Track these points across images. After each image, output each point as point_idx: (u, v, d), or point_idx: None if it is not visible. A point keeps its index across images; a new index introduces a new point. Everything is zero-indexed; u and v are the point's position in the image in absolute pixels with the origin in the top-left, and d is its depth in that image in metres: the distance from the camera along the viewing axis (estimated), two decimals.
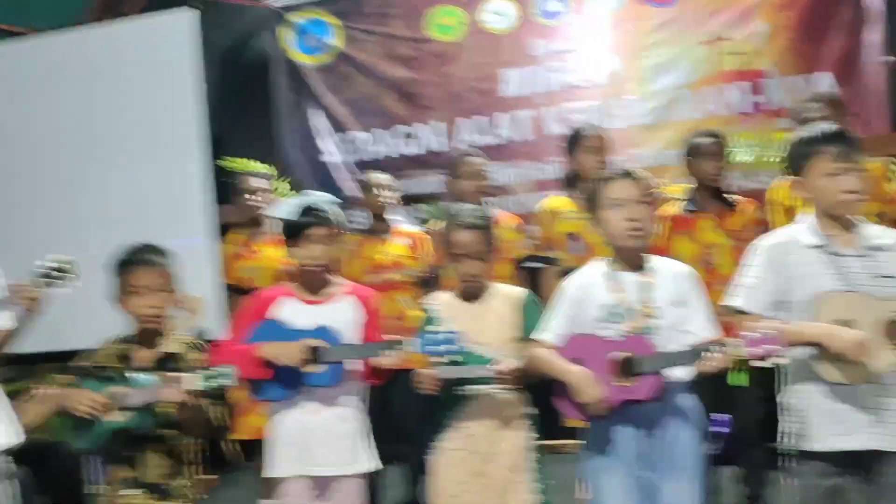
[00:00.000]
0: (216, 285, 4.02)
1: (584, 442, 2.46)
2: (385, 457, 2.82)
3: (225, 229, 4.17)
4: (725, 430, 3.85)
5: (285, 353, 2.52)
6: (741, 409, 3.36)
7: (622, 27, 4.92)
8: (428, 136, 5.17)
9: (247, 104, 5.29)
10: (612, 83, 4.91)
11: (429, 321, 2.66)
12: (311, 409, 2.61)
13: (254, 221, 3.97)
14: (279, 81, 5.43)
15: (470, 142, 5.02)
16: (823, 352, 2.17)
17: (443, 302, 2.72)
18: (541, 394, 2.71)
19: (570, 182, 3.62)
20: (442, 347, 2.45)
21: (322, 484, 2.61)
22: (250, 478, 3.31)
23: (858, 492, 2.23)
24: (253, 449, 3.23)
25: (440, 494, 2.60)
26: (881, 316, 2.14)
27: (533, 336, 2.50)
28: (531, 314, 2.62)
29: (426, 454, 3.70)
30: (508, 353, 2.56)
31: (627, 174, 2.45)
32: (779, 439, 2.36)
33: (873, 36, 4.52)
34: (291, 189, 4.69)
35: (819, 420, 2.24)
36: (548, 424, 2.72)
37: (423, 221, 4.76)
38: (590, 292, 2.42)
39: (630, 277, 2.41)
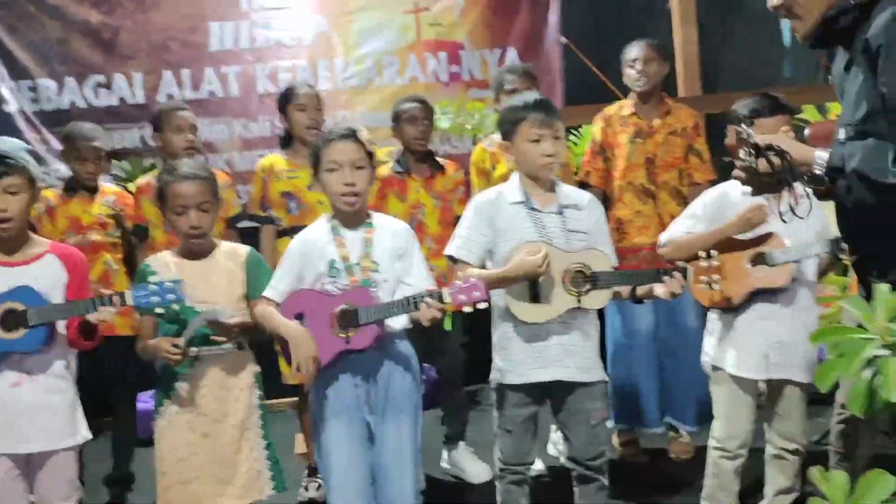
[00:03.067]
0: None
1: (305, 396, 2.53)
2: (94, 427, 2.69)
3: None
4: (430, 376, 4.19)
5: None
6: (446, 354, 3.63)
7: None
8: (126, 88, 4.84)
9: None
10: (320, 44, 4.95)
11: (144, 275, 2.56)
12: (12, 379, 2.40)
13: None
14: None
15: (175, 95, 4.79)
16: (516, 295, 2.46)
17: (164, 261, 2.62)
18: (263, 352, 2.76)
19: (285, 141, 3.62)
20: (155, 298, 2.35)
21: (30, 461, 2.43)
22: None
23: (548, 417, 2.60)
24: None
25: (166, 459, 2.54)
26: (563, 265, 2.47)
27: (262, 294, 2.52)
28: (256, 271, 2.62)
29: (140, 422, 3.59)
30: (236, 311, 2.55)
31: (347, 136, 2.49)
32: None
33: (553, 17, 5.07)
34: None
35: (518, 356, 2.54)
36: (268, 384, 2.78)
37: (124, 179, 4.49)
38: (314, 249, 2.49)
39: (352, 234, 2.50)
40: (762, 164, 1.78)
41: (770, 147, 1.78)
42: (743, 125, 1.80)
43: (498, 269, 2.48)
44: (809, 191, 1.92)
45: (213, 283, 2.58)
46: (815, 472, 1.15)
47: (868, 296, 1.81)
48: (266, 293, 2.51)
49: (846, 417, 2.87)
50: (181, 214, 2.55)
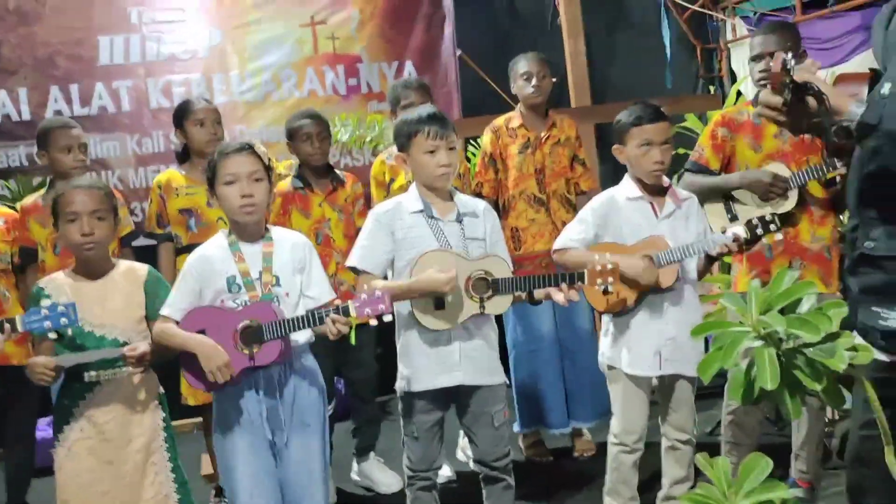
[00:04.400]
0: None
1: (210, 416, 2.50)
2: None
3: None
4: (340, 389, 4.19)
5: None
6: (357, 365, 3.64)
7: (223, 1, 4.91)
8: (10, 104, 4.64)
9: None
10: (215, 57, 4.89)
11: (37, 299, 2.47)
12: None
13: None
14: None
15: (64, 111, 4.62)
16: (421, 303, 2.51)
17: (58, 283, 2.53)
18: (167, 373, 2.71)
19: (183, 157, 3.56)
20: (48, 323, 2.25)
21: None
22: None
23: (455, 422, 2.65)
24: None
25: (68, 487, 2.46)
26: (468, 272, 2.53)
27: (159, 313, 2.47)
28: (156, 291, 2.57)
29: (39, 450, 3.44)
30: (136, 333, 2.50)
31: (243, 149, 2.47)
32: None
33: (448, 30, 5.17)
34: None
35: (422, 363, 2.58)
36: (172, 404, 2.73)
37: (11, 199, 4.31)
38: (213, 265, 2.45)
39: (251, 248, 2.47)
40: (806, 105, 1.66)
41: (808, 86, 1.66)
42: (790, 54, 1.66)
43: (404, 282, 2.52)
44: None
45: (111, 304, 2.51)
46: (700, 458, 1.23)
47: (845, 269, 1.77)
48: (164, 311, 2.45)
49: (734, 408, 3.04)
50: (73, 222, 2.46)
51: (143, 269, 2.63)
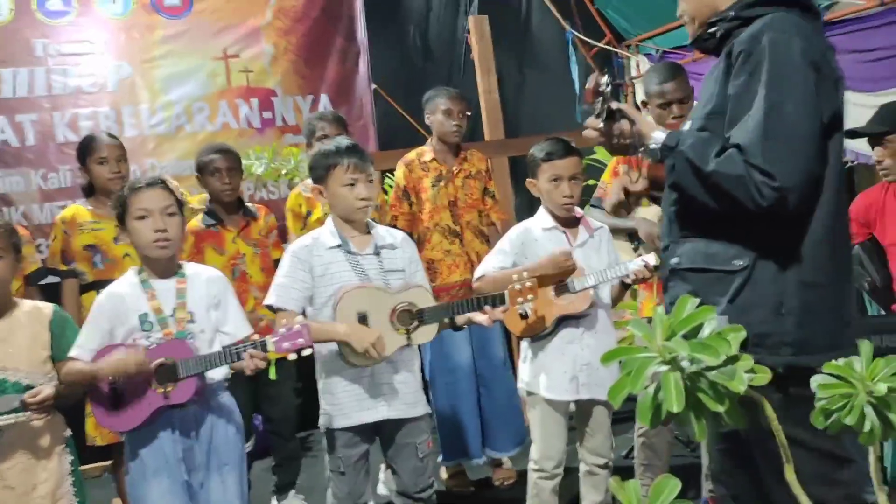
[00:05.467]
0: None
1: (120, 457, 2.42)
2: None
3: None
4: (258, 425, 4.11)
5: None
6: (276, 401, 3.59)
7: (131, 34, 4.82)
8: None
9: None
10: (124, 90, 4.79)
11: None
12: None
13: None
14: None
15: None
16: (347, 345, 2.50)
17: None
18: (73, 413, 2.62)
19: (89, 191, 3.47)
20: None
21: None
22: None
23: (377, 455, 2.64)
24: None
25: None
26: (391, 305, 2.54)
27: (68, 354, 2.39)
28: (62, 331, 2.49)
29: None
30: (41, 374, 2.41)
31: (155, 183, 2.44)
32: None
33: (363, 65, 5.21)
34: None
35: (345, 400, 2.57)
36: (80, 447, 2.64)
37: None
38: (124, 303, 2.40)
39: (163, 285, 2.44)
40: (615, 127, 1.87)
41: (621, 111, 1.88)
42: (606, 77, 1.85)
43: (327, 327, 2.48)
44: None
45: (15, 345, 2.42)
46: (612, 482, 1.27)
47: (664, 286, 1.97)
48: (72, 353, 2.38)
49: (644, 431, 3.13)
50: None
51: (48, 308, 2.56)
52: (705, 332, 1.29)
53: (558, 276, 2.78)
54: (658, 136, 1.84)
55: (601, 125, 1.87)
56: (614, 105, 1.85)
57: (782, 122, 1.66)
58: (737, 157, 1.67)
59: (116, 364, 2.28)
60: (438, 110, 3.79)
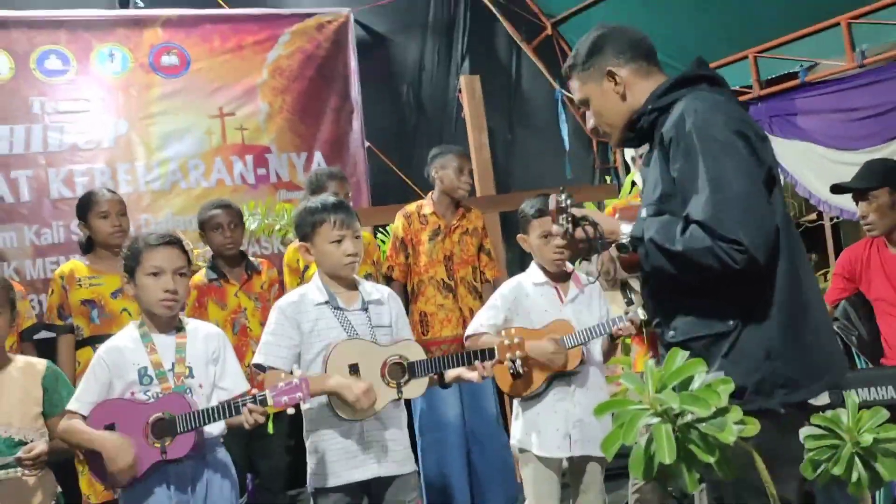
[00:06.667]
0: None
1: None
2: None
3: None
4: (249, 482, 4.07)
5: None
6: (268, 457, 3.56)
7: (129, 92, 4.91)
8: None
9: None
10: (120, 147, 4.85)
11: None
12: None
13: None
14: None
15: None
16: (337, 397, 2.51)
17: None
18: (66, 469, 2.61)
19: (87, 247, 3.50)
20: None
21: None
22: None
23: None
24: None
25: None
26: (381, 359, 2.54)
27: (64, 409, 2.38)
28: (55, 387, 2.50)
29: None
30: (33, 430, 2.41)
31: (172, 242, 2.45)
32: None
33: (356, 123, 5.32)
34: None
35: (334, 458, 2.54)
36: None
37: None
38: (124, 356, 2.40)
39: (164, 339, 2.44)
40: (578, 232, 1.96)
41: (585, 218, 1.98)
42: (563, 195, 1.95)
43: (317, 378, 2.47)
44: (593, 275, 2.10)
45: (7, 400, 2.43)
46: None
47: (661, 358, 2.03)
48: (70, 406, 2.37)
49: (639, 486, 3.13)
50: None
51: (41, 364, 2.57)
52: (695, 384, 1.32)
53: (547, 368, 2.81)
54: (625, 229, 1.96)
55: (562, 230, 1.98)
56: (577, 212, 1.97)
57: (729, 192, 1.78)
58: (698, 233, 1.79)
59: (111, 449, 2.27)
60: (450, 167, 3.85)
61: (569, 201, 1.96)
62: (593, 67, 2.05)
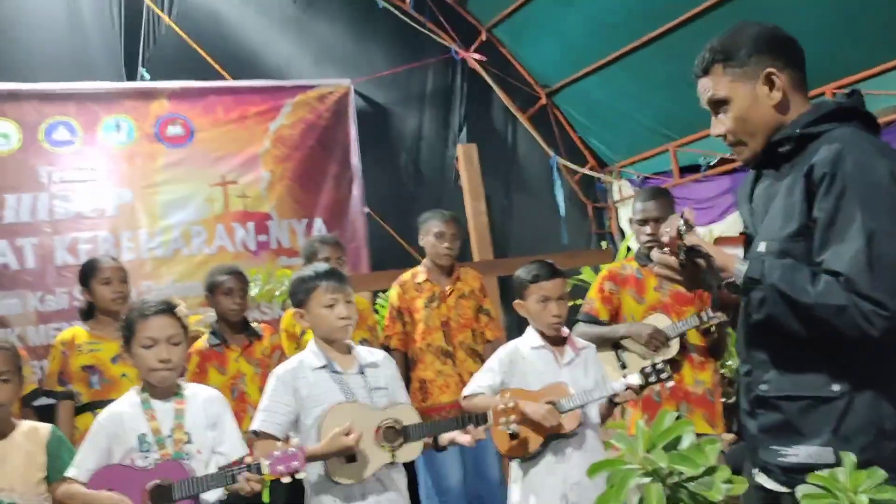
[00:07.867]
0: None
1: None
2: None
3: None
4: None
5: None
6: None
7: (134, 162, 5.03)
8: None
9: None
10: (123, 215, 4.95)
11: None
12: None
13: None
14: None
15: None
16: (333, 462, 2.52)
17: None
18: None
19: (87, 313, 3.54)
20: None
21: None
22: None
23: None
24: None
25: None
26: (376, 422, 2.57)
27: (65, 474, 2.39)
28: (58, 452, 2.51)
29: None
30: (35, 496, 2.42)
31: (164, 311, 2.48)
32: None
33: (356, 190, 5.42)
34: None
35: None
36: None
37: None
38: (123, 423, 2.43)
39: (163, 405, 2.47)
40: (701, 264, 1.80)
41: (698, 248, 1.80)
42: (682, 220, 1.78)
43: (311, 447, 2.49)
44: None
45: (10, 466, 2.44)
46: None
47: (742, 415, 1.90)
48: (69, 473, 2.38)
49: None
50: None
51: (45, 429, 2.58)
52: (684, 444, 1.36)
53: (541, 394, 2.84)
54: (740, 269, 1.76)
55: (676, 261, 1.83)
56: (689, 241, 1.80)
57: (885, 249, 1.61)
58: (835, 287, 1.63)
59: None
60: (431, 232, 3.90)
61: (685, 228, 1.78)
62: (749, 66, 1.79)
